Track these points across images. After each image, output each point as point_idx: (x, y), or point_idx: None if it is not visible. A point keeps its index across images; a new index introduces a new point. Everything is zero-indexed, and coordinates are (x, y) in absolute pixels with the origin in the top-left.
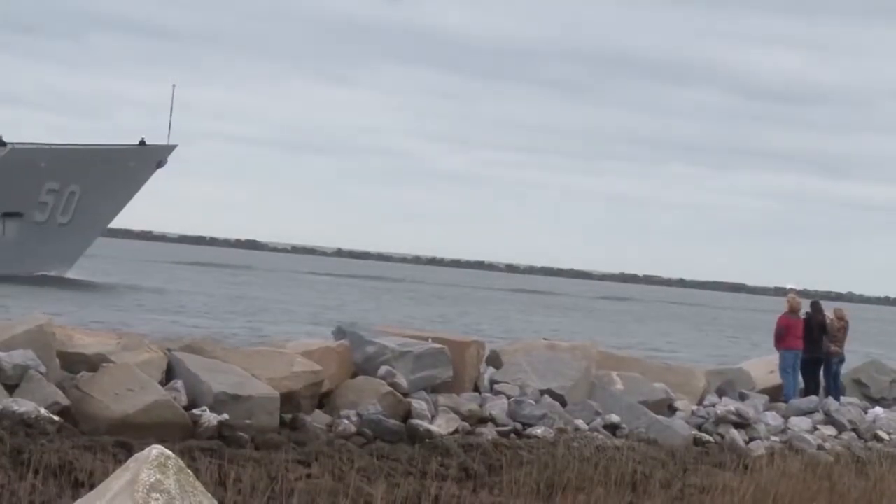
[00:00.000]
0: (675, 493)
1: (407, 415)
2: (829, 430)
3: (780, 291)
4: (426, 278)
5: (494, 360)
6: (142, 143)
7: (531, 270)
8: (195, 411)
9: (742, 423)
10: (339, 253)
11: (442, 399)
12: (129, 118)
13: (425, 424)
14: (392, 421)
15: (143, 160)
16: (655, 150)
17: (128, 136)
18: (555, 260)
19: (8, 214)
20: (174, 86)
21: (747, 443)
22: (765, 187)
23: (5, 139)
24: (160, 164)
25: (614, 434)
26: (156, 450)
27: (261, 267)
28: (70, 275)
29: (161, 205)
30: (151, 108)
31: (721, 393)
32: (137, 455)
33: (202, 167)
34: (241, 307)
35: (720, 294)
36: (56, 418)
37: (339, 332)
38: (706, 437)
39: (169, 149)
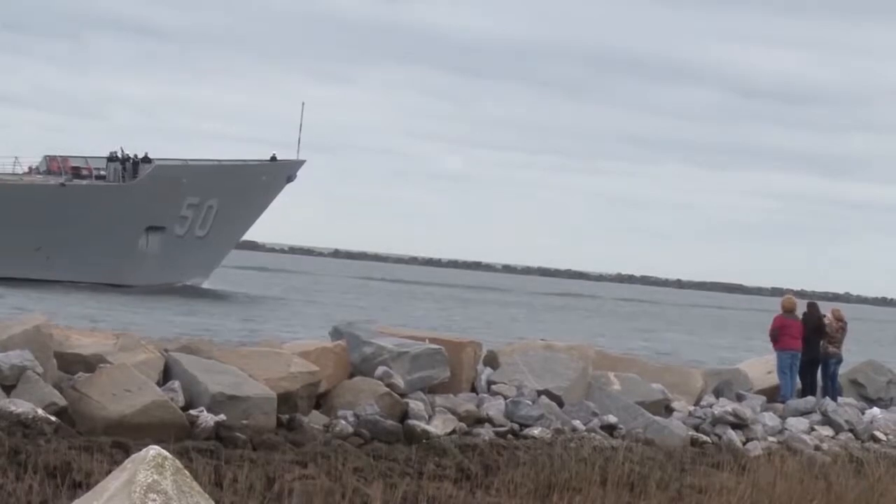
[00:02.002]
0: (672, 494)
1: (404, 415)
2: (827, 431)
3: (777, 292)
4: (457, 281)
5: (491, 361)
6: (273, 158)
7: (528, 271)
8: (192, 412)
9: (739, 424)
10: (336, 254)
11: (439, 399)
12: (128, 118)
13: (422, 425)
14: (389, 421)
15: (274, 175)
16: (653, 150)
17: (127, 137)
18: (551, 260)
19: (151, 228)
20: (303, 103)
21: (744, 443)
22: (762, 187)
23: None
24: (290, 178)
25: (611, 434)
26: (153, 450)
27: (300, 270)
28: (206, 285)
29: None
30: (148, 108)
31: (718, 393)
32: (134, 455)
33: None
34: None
35: (717, 294)
36: (53, 419)
37: (336, 333)
38: (703, 437)
39: (298, 164)
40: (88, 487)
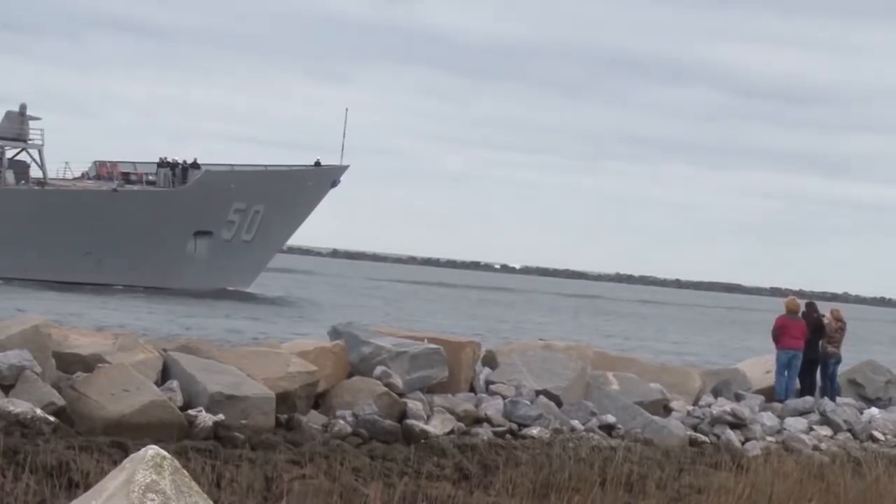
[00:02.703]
0: (670, 494)
1: (402, 415)
2: (825, 431)
3: (776, 292)
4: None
5: (490, 361)
6: (317, 163)
7: (526, 271)
8: (191, 412)
9: (738, 424)
10: (335, 254)
11: (437, 399)
12: (124, 118)
13: (421, 425)
14: (388, 421)
15: (319, 180)
16: (653, 150)
17: (125, 136)
18: (550, 260)
19: (199, 233)
20: (347, 109)
21: (743, 443)
22: (762, 187)
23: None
24: (334, 183)
25: (610, 434)
26: (151, 450)
27: (312, 271)
28: (251, 289)
29: None
30: (145, 108)
31: (717, 393)
32: (133, 455)
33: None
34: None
35: (716, 294)
36: (52, 418)
37: (335, 333)
38: (702, 437)
39: (342, 169)
40: (87, 487)
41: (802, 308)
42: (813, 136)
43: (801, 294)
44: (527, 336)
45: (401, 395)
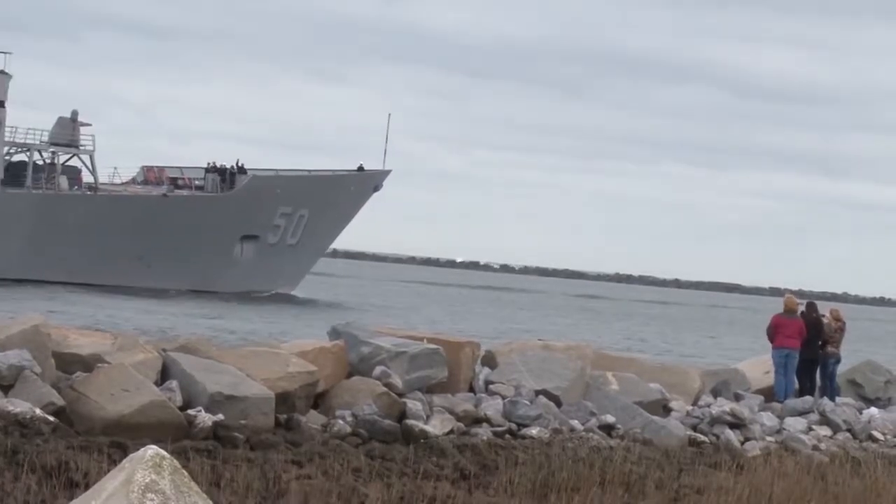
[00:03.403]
0: (670, 494)
1: (402, 415)
2: (825, 431)
3: (775, 292)
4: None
5: (489, 361)
6: (360, 168)
7: (525, 270)
8: (190, 412)
9: (737, 424)
10: (335, 253)
11: (437, 399)
12: (122, 118)
13: (420, 425)
14: (387, 421)
15: (361, 185)
16: (652, 150)
17: (121, 136)
18: (549, 260)
19: (246, 237)
20: (389, 115)
21: (742, 443)
22: (762, 187)
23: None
24: (376, 188)
25: (609, 434)
26: (151, 450)
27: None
28: (296, 292)
29: None
30: (142, 107)
31: (716, 393)
32: (132, 455)
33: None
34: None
35: (715, 294)
36: (51, 418)
37: (334, 333)
38: (701, 437)
39: (384, 174)
40: (86, 487)
41: (801, 308)
42: (813, 136)
43: (800, 294)
44: (567, 337)
45: (400, 395)
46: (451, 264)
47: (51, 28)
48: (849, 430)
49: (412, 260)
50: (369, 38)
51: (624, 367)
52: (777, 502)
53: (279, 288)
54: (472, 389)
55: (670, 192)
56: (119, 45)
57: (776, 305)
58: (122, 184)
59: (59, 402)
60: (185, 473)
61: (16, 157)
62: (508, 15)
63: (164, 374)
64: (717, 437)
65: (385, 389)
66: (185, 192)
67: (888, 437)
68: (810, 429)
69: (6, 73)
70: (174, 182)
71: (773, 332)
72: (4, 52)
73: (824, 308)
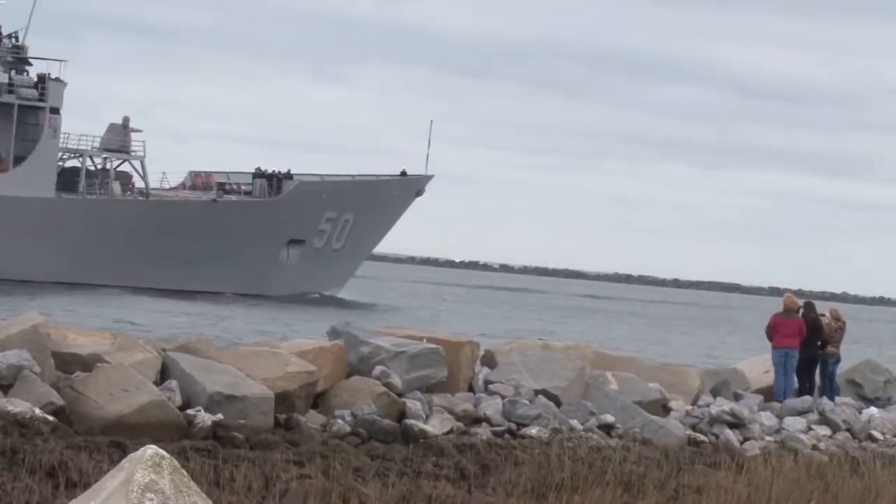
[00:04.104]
0: (669, 494)
1: (401, 415)
2: (824, 430)
3: (775, 291)
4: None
5: (489, 360)
6: (403, 173)
7: (525, 270)
8: (190, 411)
9: (736, 423)
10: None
11: (436, 399)
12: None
13: (420, 424)
14: (386, 421)
15: (404, 189)
16: (652, 150)
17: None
18: (548, 260)
19: (293, 241)
20: (431, 121)
21: (742, 443)
22: (762, 187)
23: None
24: (419, 192)
25: (609, 434)
26: (150, 450)
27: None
28: (341, 295)
29: None
30: (141, 107)
31: (715, 393)
32: (132, 455)
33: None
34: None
35: (715, 294)
36: (50, 418)
37: (334, 333)
38: (701, 437)
39: (426, 179)
40: (86, 487)
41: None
42: (813, 136)
43: (800, 294)
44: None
45: (400, 394)
46: (451, 264)
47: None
48: (848, 430)
49: (411, 260)
50: (369, 38)
51: (623, 367)
52: (776, 502)
53: (325, 290)
54: (471, 389)
55: (670, 192)
56: (118, 44)
57: (776, 305)
58: (171, 189)
59: (59, 401)
60: (185, 473)
61: (68, 163)
62: (508, 15)
63: (164, 374)
64: (717, 436)
65: (384, 389)
66: (233, 197)
67: (887, 436)
68: (810, 428)
69: (61, 81)
70: (222, 187)
71: (772, 331)
72: (60, 60)
73: (824, 308)
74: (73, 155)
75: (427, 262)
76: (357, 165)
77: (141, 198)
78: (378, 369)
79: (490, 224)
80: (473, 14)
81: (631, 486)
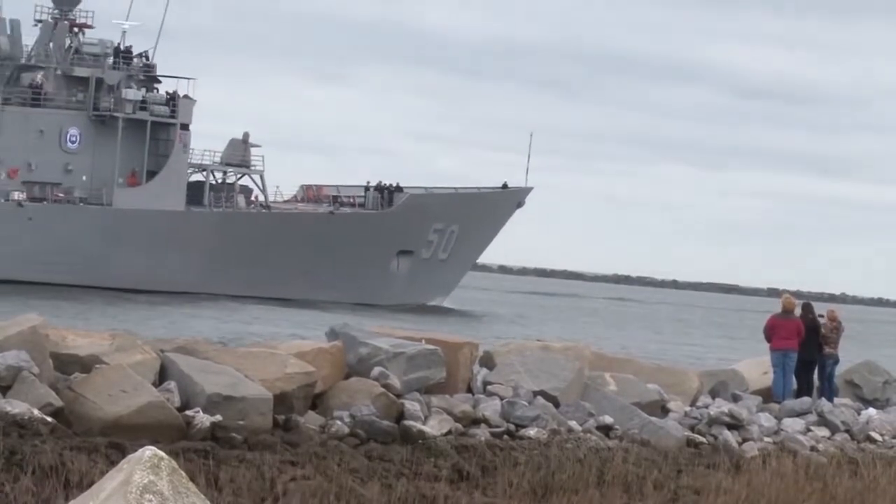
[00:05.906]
0: (668, 495)
1: (400, 416)
2: (823, 432)
3: (773, 292)
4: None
5: (487, 361)
6: (504, 186)
7: (524, 271)
8: (188, 412)
9: (735, 425)
10: None
11: (435, 400)
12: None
13: (418, 425)
14: (385, 422)
15: (506, 201)
16: (652, 150)
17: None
18: (547, 260)
19: (402, 252)
20: (531, 134)
21: (740, 444)
22: (761, 187)
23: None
24: (519, 204)
25: (607, 435)
26: (149, 451)
27: None
28: (446, 304)
29: None
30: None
31: (714, 394)
32: (130, 456)
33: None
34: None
35: (714, 295)
36: (49, 419)
37: (332, 334)
38: (699, 438)
39: (527, 191)
40: (84, 488)
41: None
42: (813, 136)
43: (798, 295)
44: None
45: (398, 395)
46: None
47: None
48: (847, 431)
49: None
50: (368, 38)
51: (622, 368)
52: (775, 503)
53: (433, 300)
54: (470, 390)
55: (669, 192)
56: None
57: (774, 306)
58: (286, 201)
59: (58, 402)
60: (183, 474)
61: (192, 178)
62: (508, 15)
63: (163, 375)
64: (716, 437)
65: (383, 390)
66: (348, 210)
67: (886, 437)
68: (808, 430)
69: (191, 98)
70: (336, 200)
71: (771, 332)
72: (189, 78)
73: (822, 308)
74: (197, 169)
75: None
76: (357, 165)
77: (263, 210)
78: (376, 370)
79: None
80: (473, 14)
81: (630, 487)
